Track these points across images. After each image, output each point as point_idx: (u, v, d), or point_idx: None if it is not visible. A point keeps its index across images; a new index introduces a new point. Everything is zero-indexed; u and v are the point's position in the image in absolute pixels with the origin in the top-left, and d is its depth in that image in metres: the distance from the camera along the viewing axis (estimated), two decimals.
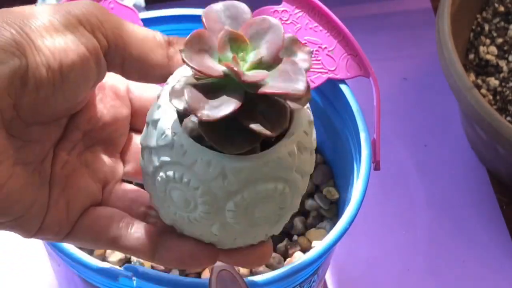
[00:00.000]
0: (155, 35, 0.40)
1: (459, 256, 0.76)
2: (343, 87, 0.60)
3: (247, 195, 0.37)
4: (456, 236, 0.77)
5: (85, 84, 0.38)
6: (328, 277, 0.73)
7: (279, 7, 0.60)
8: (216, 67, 0.37)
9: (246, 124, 0.36)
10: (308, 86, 0.36)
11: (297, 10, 0.60)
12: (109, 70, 0.40)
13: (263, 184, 0.37)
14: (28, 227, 0.39)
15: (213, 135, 0.37)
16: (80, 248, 0.55)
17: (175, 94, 0.37)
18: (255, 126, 0.36)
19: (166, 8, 0.61)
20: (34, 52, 0.36)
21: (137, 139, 0.44)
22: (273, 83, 0.36)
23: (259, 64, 0.37)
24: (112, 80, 0.43)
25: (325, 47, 0.60)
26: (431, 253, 0.76)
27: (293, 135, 0.38)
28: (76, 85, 0.38)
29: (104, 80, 0.41)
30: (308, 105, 0.39)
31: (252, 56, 0.37)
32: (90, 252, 0.60)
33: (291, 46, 0.38)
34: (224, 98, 0.36)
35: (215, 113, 0.35)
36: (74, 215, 0.40)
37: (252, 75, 0.36)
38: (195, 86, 0.36)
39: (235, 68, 0.36)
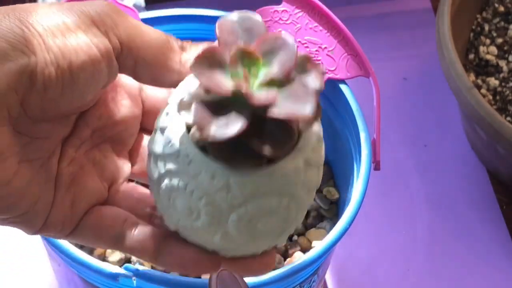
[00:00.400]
0: (169, 40, 0.40)
1: (459, 256, 0.76)
2: (343, 87, 0.60)
3: (251, 209, 0.37)
4: (456, 236, 0.77)
5: (95, 85, 0.38)
6: (328, 277, 0.73)
7: (279, 7, 0.59)
8: (225, 84, 0.36)
9: (252, 144, 0.36)
10: (318, 107, 0.36)
11: (297, 10, 0.60)
12: (121, 72, 0.39)
13: (267, 198, 0.37)
14: (32, 223, 0.39)
15: (218, 151, 0.36)
16: (81, 248, 0.55)
17: (183, 107, 0.37)
18: (260, 148, 0.36)
19: (166, 8, 0.61)
20: (44, 50, 0.36)
21: (147, 139, 0.44)
22: (282, 105, 0.35)
23: (270, 82, 0.36)
24: (125, 78, 0.42)
25: (325, 47, 0.60)
26: (431, 253, 0.76)
27: (300, 151, 0.38)
28: (86, 85, 0.37)
29: (117, 78, 0.40)
30: (319, 121, 0.39)
31: (263, 74, 0.37)
32: (90, 252, 0.60)
33: (304, 64, 0.37)
34: (231, 116, 0.35)
35: (221, 134, 0.35)
36: (78, 213, 0.40)
37: (260, 98, 0.35)
38: (203, 102, 0.36)
39: (244, 90, 0.35)
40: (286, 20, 0.60)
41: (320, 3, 0.60)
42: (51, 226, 0.39)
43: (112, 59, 0.38)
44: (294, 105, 0.35)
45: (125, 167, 0.43)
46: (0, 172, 0.36)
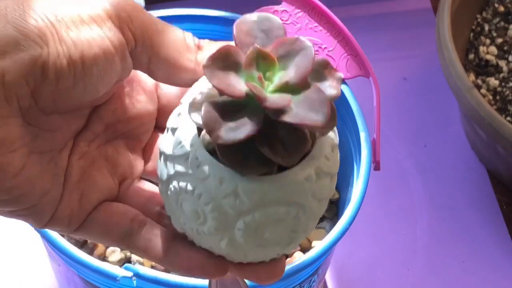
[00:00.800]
0: (185, 38, 0.40)
1: (459, 256, 0.76)
2: (343, 87, 0.60)
3: (258, 216, 0.36)
4: (456, 236, 0.77)
5: (108, 79, 0.38)
6: (328, 277, 0.73)
7: (279, 7, 0.59)
8: (238, 86, 0.35)
9: (262, 150, 0.35)
10: (332, 115, 0.35)
11: (297, 10, 0.60)
12: (135, 68, 0.39)
13: (275, 207, 0.36)
14: (39, 217, 0.38)
15: (228, 155, 0.36)
16: (80, 248, 0.55)
17: (194, 107, 0.36)
18: (270, 154, 0.35)
19: (166, 8, 0.61)
20: (57, 42, 0.35)
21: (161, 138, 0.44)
22: (295, 111, 0.35)
23: (285, 87, 0.36)
24: (141, 74, 0.42)
25: (325, 47, 0.60)
26: (431, 253, 0.76)
27: (313, 159, 0.37)
28: (99, 79, 0.37)
29: (133, 73, 0.40)
30: (335, 128, 0.38)
31: (278, 78, 0.36)
32: (90, 252, 0.60)
33: (321, 70, 0.37)
34: (242, 120, 0.35)
35: (231, 137, 0.34)
36: (87, 209, 0.40)
37: (274, 102, 0.35)
38: (214, 103, 0.35)
39: (257, 93, 0.34)
40: (286, 20, 0.59)
41: (320, 3, 0.60)
42: (58, 220, 0.39)
43: (125, 53, 0.38)
44: (307, 112, 0.35)
45: (138, 164, 0.43)
46: (9, 163, 0.35)
